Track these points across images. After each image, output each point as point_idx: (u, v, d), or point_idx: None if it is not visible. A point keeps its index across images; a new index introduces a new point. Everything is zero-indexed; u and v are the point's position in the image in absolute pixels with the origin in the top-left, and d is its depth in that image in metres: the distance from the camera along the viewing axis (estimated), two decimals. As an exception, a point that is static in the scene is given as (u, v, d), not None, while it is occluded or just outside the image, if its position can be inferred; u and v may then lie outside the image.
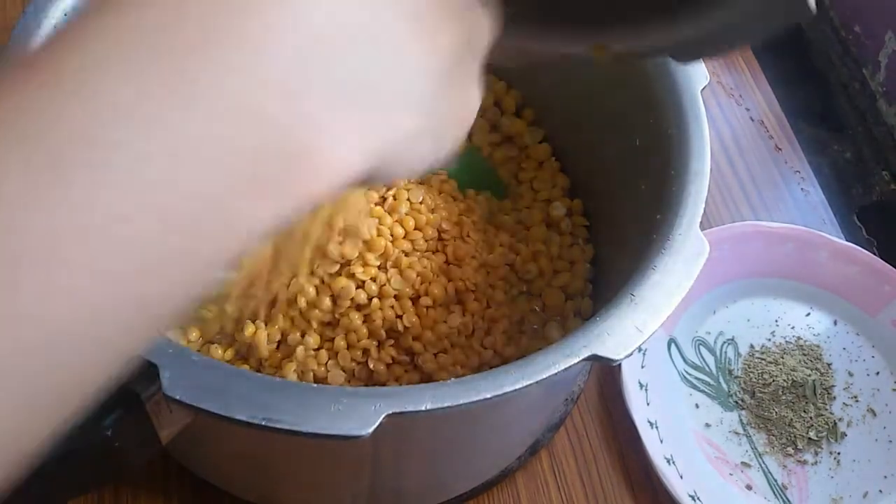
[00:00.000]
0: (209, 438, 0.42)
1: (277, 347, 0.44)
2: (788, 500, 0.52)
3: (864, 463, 0.54)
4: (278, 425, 0.31)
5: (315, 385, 0.37)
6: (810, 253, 0.60)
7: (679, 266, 0.37)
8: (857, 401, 0.56)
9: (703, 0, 0.27)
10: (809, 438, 0.54)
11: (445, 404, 0.32)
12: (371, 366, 0.43)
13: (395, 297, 0.44)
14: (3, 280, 0.15)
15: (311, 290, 0.44)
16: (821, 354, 0.57)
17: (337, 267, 0.44)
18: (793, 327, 0.58)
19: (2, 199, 0.15)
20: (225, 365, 0.34)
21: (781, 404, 0.55)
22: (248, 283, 0.45)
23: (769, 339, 0.58)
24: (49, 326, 0.16)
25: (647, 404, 0.53)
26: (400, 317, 0.44)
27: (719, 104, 0.70)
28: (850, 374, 0.57)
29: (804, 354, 0.57)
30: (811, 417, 0.55)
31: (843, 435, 0.55)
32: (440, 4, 0.20)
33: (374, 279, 0.44)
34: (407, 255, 0.45)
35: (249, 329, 0.44)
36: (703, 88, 0.43)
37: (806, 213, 0.65)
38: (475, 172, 0.53)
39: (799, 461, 0.54)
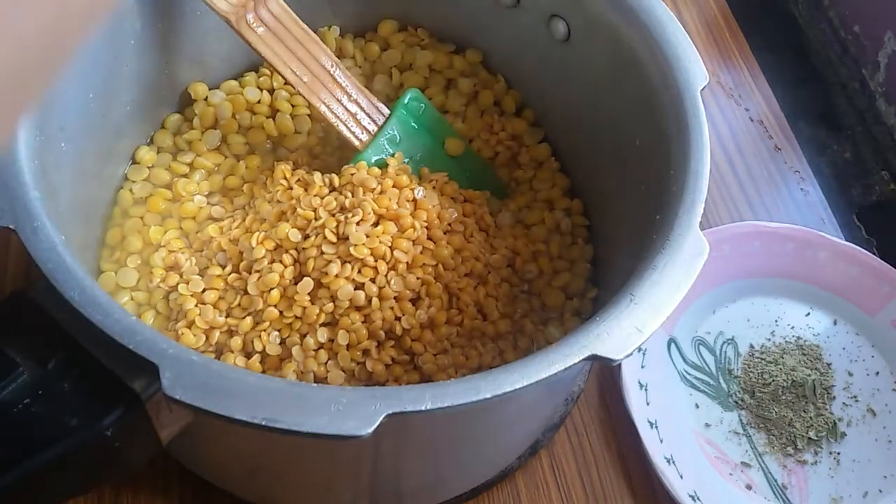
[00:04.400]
0: (209, 438, 0.42)
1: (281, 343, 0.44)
2: (788, 500, 0.52)
3: (864, 463, 0.54)
4: (278, 425, 0.31)
5: (315, 385, 0.37)
6: (810, 253, 0.60)
7: (679, 266, 0.37)
8: (856, 401, 0.56)
9: None
10: (809, 438, 0.54)
11: (445, 404, 0.32)
12: (369, 367, 0.43)
13: (395, 298, 0.44)
14: None
15: (307, 297, 0.44)
16: (821, 354, 0.57)
17: (334, 249, 0.44)
18: (793, 327, 0.58)
19: None
20: (225, 365, 0.35)
21: (781, 404, 0.55)
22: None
23: (769, 339, 0.58)
24: None
25: (647, 404, 0.53)
26: (399, 318, 0.44)
27: (719, 104, 0.70)
28: (850, 374, 0.57)
29: (804, 354, 0.57)
30: (811, 417, 0.55)
31: (843, 435, 0.55)
32: None
33: (373, 280, 0.44)
34: (406, 254, 0.45)
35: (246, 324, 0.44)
36: (703, 88, 0.43)
37: (806, 213, 0.65)
38: (475, 172, 0.53)
39: (799, 461, 0.54)
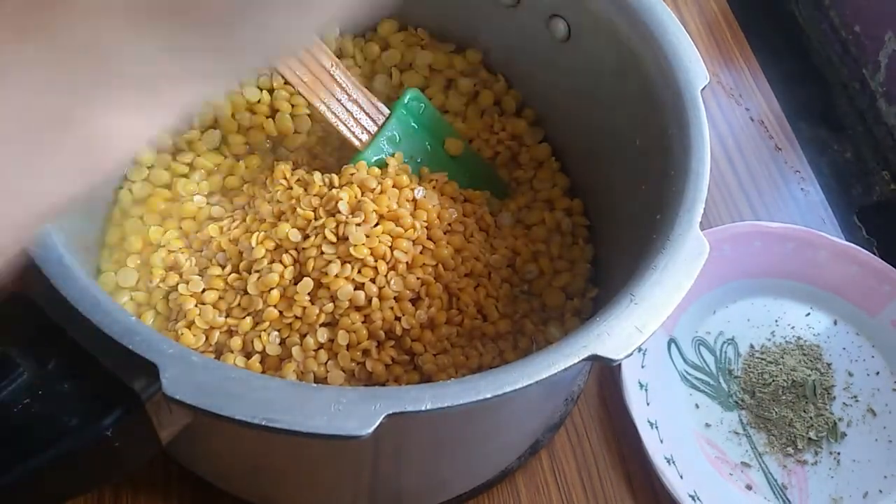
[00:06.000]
0: (209, 438, 0.42)
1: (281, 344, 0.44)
2: (788, 500, 0.52)
3: (864, 463, 0.54)
4: (278, 425, 0.31)
5: (315, 385, 0.37)
6: (810, 253, 0.60)
7: (679, 266, 0.37)
8: (857, 401, 0.56)
9: None
10: (809, 438, 0.54)
11: (445, 404, 0.32)
12: (369, 367, 0.43)
13: (395, 298, 0.44)
14: None
15: (307, 297, 0.44)
16: (821, 354, 0.57)
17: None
18: (793, 327, 0.58)
19: None
20: (225, 365, 0.35)
21: (781, 404, 0.55)
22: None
23: (769, 339, 0.58)
24: None
25: (647, 404, 0.53)
26: (399, 318, 0.44)
27: (719, 104, 0.70)
28: (850, 374, 0.57)
29: (804, 354, 0.57)
30: (811, 417, 0.55)
31: (843, 435, 0.55)
32: None
33: (373, 280, 0.44)
34: (406, 254, 0.45)
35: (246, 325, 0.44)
36: (703, 88, 0.43)
37: (806, 213, 0.65)
38: (475, 172, 0.53)
39: (799, 461, 0.54)
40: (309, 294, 0.44)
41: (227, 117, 0.52)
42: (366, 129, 0.50)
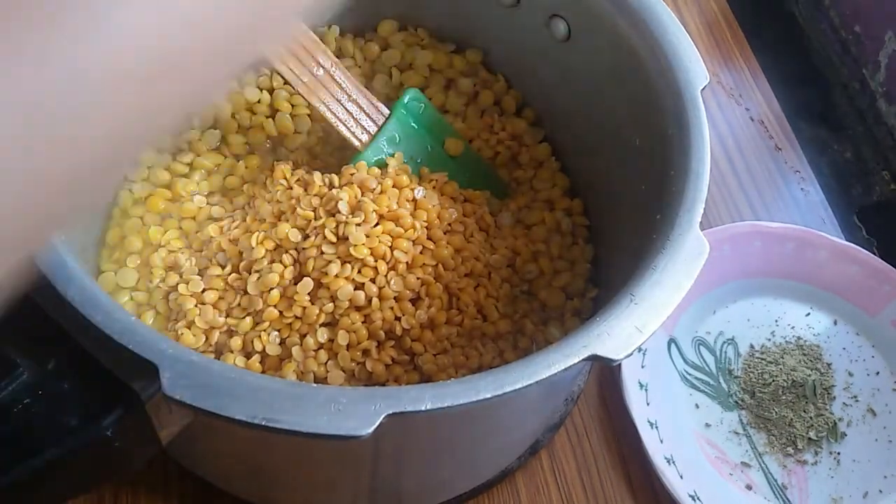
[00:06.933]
0: (209, 438, 0.42)
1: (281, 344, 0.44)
2: (788, 500, 0.52)
3: (864, 463, 0.54)
4: (278, 425, 0.31)
5: (315, 385, 0.37)
6: (810, 253, 0.60)
7: (679, 266, 0.37)
8: (857, 401, 0.56)
9: None
10: (809, 438, 0.54)
11: (445, 404, 0.32)
12: (369, 367, 0.43)
13: (395, 298, 0.44)
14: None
15: (307, 297, 0.44)
16: (821, 354, 0.57)
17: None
18: (793, 327, 0.58)
19: None
20: (225, 365, 0.35)
21: (781, 404, 0.55)
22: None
23: (769, 339, 0.58)
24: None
25: (647, 404, 0.53)
26: (399, 318, 0.44)
27: (719, 104, 0.70)
28: (850, 374, 0.57)
29: (804, 354, 0.57)
30: (811, 417, 0.55)
31: (843, 435, 0.55)
32: None
33: (373, 280, 0.44)
34: (406, 254, 0.45)
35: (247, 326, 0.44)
36: (703, 88, 0.43)
37: (806, 213, 0.65)
38: (475, 172, 0.53)
39: (799, 461, 0.54)
40: (309, 294, 0.44)
41: (227, 117, 0.52)
42: (366, 129, 0.50)
